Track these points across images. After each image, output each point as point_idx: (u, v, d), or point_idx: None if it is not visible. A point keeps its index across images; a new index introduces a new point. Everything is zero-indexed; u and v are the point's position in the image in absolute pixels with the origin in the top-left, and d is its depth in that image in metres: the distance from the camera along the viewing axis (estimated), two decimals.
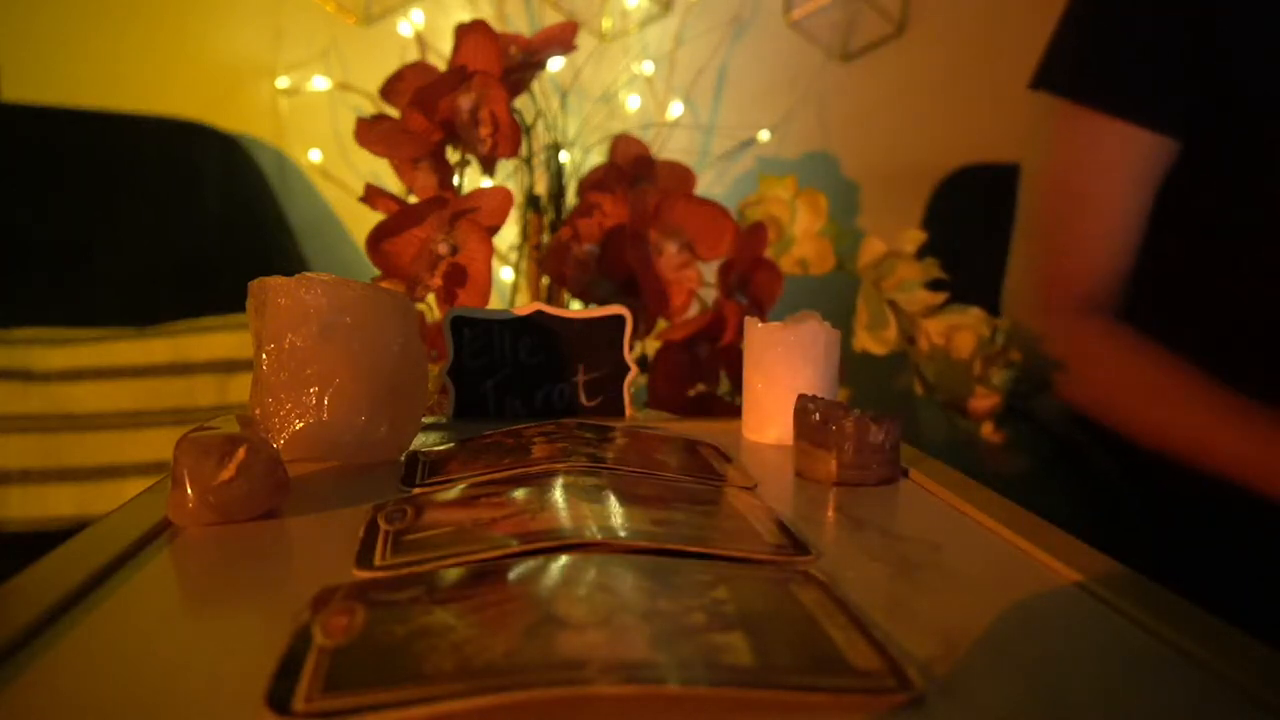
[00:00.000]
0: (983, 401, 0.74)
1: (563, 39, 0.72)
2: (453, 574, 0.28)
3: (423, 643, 0.23)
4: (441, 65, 0.70)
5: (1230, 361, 0.71)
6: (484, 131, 0.66)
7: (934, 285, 0.74)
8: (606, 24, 1.20)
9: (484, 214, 0.62)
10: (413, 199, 0.66)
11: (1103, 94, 0.75)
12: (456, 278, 0.62)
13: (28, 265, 1.01)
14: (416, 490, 0.39)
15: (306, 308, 0.42)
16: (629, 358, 0.56)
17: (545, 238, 0.84)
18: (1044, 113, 0.79)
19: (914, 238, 0.74)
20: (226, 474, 0.34)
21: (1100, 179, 0.75)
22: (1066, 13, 0.80)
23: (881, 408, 0.43)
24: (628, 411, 0.57)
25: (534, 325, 0.55)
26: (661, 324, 0.71)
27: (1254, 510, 0.66)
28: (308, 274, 0.43)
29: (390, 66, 0.71)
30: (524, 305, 0.56)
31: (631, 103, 1.22)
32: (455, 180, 0.69)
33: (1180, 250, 0.77)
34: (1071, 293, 0.77)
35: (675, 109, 1.22)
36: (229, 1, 1.17)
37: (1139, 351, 0.73)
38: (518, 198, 0.74)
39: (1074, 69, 0.78)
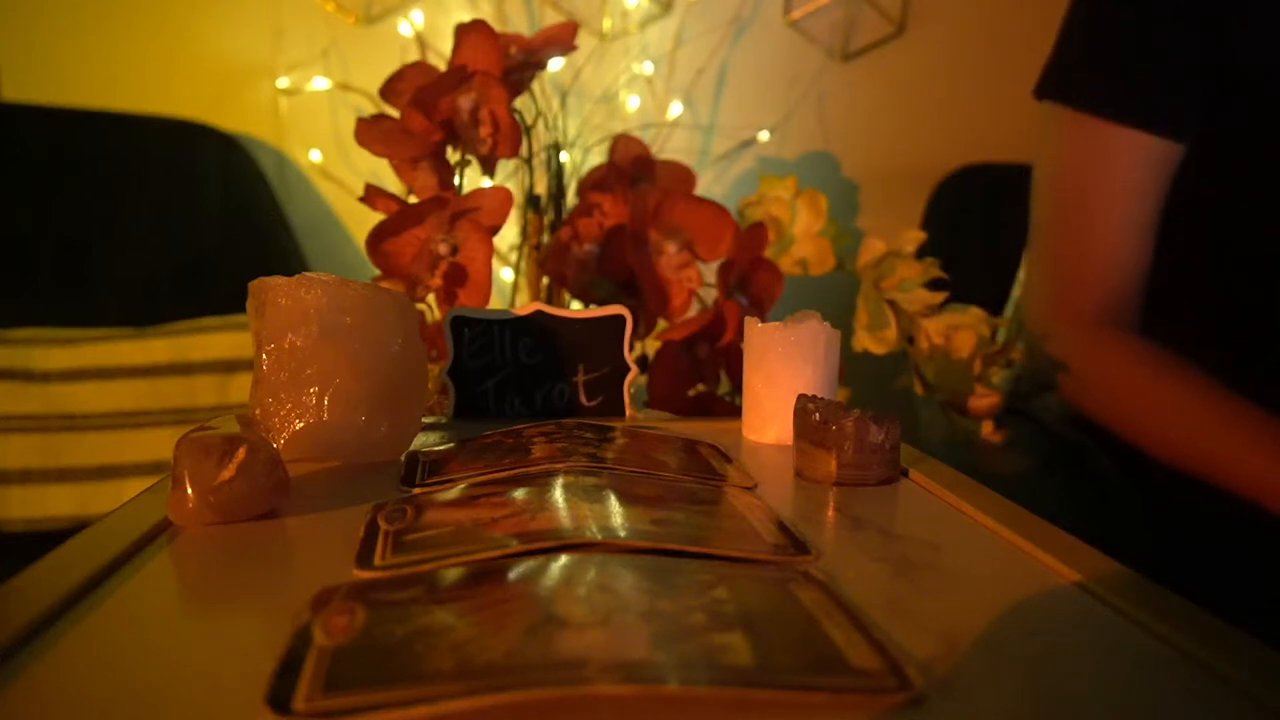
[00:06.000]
0: (982, 401, 0.74)
1: (563, 39, 0.72)
2: (453, 574, 0.28)
3: (423, 643, 0.23)
4: (441, 65, 0.70)
5: (1251, 367, 0.70)
6: (484, 131, 0.66)
7: (934, 285, 0.74)
8: (606, 24, 1.20)
9: (484, 214, 0.62)
10: (413, 199, 0.66)
11: (1106, 100, 0.74)
12: (456, 278, 0.62)
13: (28, 265, 1.01)
14: (416, 490, 0.39)
15: (307, 308, 0.42)
16: (629, 358, 0.56)
17: (545, 238, 0.84)
18: (1050, 122, 0.79)
19: (914, 238, 0.74)
20: (226, 474, 0.34)
21: (1107, 186, 0.75)
22: (1068, 21, 0.80)
23: (881, 408, 0.43)
24: (628, 411, 0.57)
25: (534, 325, 0.55)
26: (661, 324, 0.71)
27: (1253, 510, 0.66)
28: (308, 274, 0.43)
29: (390, 66, 0.71)
30: (524, 305, 0.56)
31: (631, 103, 1.22)
32: (455, 180, 0.69)
33: (1196, 254, 0.76)
34: (1085, 304, 0.76)
35: (675, 109, 1.22)
36: (229, 1, 1.17)
37: (1156, 366, 0.72)
38: (518, 198, 0.74)
39: (1076, 76, 0.77)
